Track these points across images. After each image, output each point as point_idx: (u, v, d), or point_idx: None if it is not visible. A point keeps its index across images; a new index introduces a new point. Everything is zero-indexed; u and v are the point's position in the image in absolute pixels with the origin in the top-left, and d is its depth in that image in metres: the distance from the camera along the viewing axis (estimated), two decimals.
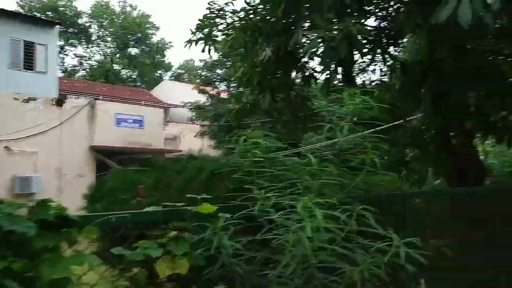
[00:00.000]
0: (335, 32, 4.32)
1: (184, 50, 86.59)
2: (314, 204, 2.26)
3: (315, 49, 4.46)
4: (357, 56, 6.88)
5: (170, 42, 52.31)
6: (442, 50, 5.15)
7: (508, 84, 7.02)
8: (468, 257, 5.48)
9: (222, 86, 30.00)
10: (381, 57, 7.27)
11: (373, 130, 3.61)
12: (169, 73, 52.61)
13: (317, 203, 2.33)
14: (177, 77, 49.50)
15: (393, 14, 6.65)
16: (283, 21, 5.88)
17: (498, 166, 12.37)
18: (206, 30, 8.15)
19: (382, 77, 9.62)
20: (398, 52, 8.45)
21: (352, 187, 3.13)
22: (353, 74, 8.87)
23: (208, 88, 25.97)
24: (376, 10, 6.83)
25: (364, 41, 6.19)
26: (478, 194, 5.81)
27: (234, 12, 7.82)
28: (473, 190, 6.05)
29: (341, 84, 6.39)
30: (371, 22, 7.47)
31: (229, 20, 8.03)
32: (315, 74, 7.30)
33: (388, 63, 7.71)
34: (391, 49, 7.46)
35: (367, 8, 5.61)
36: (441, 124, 6.97)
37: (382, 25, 6.98)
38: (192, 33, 8.52)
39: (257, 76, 6.48)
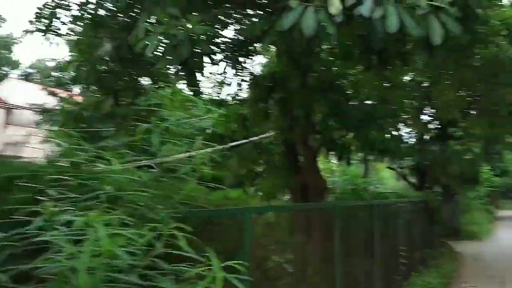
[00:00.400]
0: (178, 29, 3.93)
1: (37, 48, 79.20)
2: (101, 222, 1.77)
3: (154, 47, 4.00)
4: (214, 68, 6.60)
5: (19, 38, 47.08)
6: (283, 62, 5.11)
7: (350, 106, 7.41)
8: (308, 271, 5.48)
9: (77, 89, 27.75)
10: (234, 69, 7.15)
11: (231, 144, 3.34)
12: (17, 72, 47.32)
13: (113, 219, 1.85)
14: (27, 77, 44.78)
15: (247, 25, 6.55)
16: (127, 15, 5.34)
17: (341, 184, 13.17)
18: (46, 20, 7.28)
19: (238, 91, 9.58)
20: (253, 66, 8.45)
21: (177, 202, 2.70)
22: (204, 86, 8.64)
23: (59, 90, 23.69)
24: (232, 21, 6.67)
25: (216, 50, 5.94)
26: (317, 210, 5.89)
27: (80, 4, 7.05)
28: (313, 205, 6.14)
29: (192, 92, 6.05)
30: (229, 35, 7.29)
31: (74, 13, 7.25)
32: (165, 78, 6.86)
33: (241, 76, 7.62)
34: (247, 63, 7.38)
35: (217, 11, 5.33)
36: (287, 140, 7.03)
37: (238, 38, 6.85)
38: (31, 22, 7.55)
39: (95, 74, 5.80)
